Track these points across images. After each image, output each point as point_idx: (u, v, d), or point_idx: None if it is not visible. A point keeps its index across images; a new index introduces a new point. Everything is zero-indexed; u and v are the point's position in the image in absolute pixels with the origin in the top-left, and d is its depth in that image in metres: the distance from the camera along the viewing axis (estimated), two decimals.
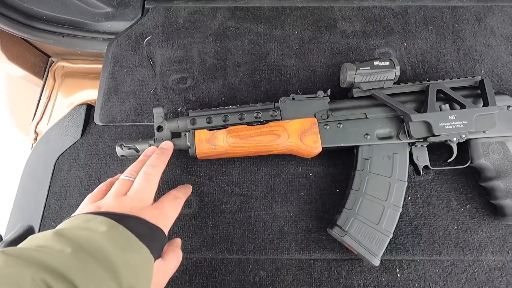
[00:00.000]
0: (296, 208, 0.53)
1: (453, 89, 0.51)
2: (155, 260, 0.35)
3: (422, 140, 0.48)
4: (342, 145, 0.50)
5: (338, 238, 0.47)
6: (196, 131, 0.50)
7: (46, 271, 0.25)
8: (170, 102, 0.60)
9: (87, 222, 0.33)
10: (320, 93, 0.52)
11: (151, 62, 0.62)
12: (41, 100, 0.70)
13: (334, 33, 0.64)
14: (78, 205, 0.53)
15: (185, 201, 0.47)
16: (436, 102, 0.49)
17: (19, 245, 0.30)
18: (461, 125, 0.47)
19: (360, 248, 0.46)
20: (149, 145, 0.50)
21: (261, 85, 0.61)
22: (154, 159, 0.44)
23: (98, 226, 0.32)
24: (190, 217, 0.53)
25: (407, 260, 0.50)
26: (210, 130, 0.50)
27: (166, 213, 0.40)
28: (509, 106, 0.50)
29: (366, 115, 0.50)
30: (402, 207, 0.52)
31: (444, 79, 0.52)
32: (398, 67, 0.50)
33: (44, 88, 0.71)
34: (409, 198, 0.53)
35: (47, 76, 0.72)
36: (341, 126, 0.50)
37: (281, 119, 0.51)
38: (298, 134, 0.50)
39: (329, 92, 0.52)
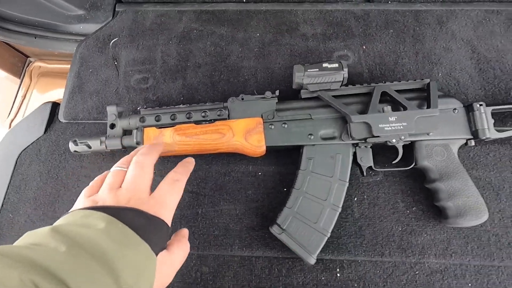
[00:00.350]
0: (243, 206, 0.54)
1: (402, 91, 0.52)
2: (157, 254, 0.33)
3: (363, 141, 0.49)
4: (286, 144, 0.51)
5: (277, 236, 0.48)
6: (145, 129, 0.52)
7: (35, 271, 0.24)
8: (130, 101, 0.62)
9: (84, 218, 0.31)
10: (268, 93, 0.53)
11: (116, 63, 0.65)
12: (17, 98, 0.73)
13: (294, 36, 0.65)
14: (36, 199, 0.56)
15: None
16: (381, 104, 0.50)
17: (15, 243, 0.29)
18: (401, 127, 0.48)
19: (296, 246, 0.47)
20: (101, 142, 0.52)
21: (219, 85, 0.62)
22: (145, 148, 0.42)
23: (96, 222, 0.30)
24: None
25: (348, 260, 0.50)
26: (160, 128, 0.52)
27: (165, 201, 0.37)
28: (455, 109, 0.50)
29: (310, 116, 0.51)
30: (348, 208, 0.53)
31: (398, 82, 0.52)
32: (346, 70, 0.51)
33: (21, 87, 0.74)
34: (356, 199, 0.53)
35: (24, 75, 0.75)
36: (286, 126, 0.51)
37: (228, 119, 0.52)
38: (243, 133, 0.51)
39: (277, 93, 0.53)
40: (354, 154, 0.51)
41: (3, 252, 0.24)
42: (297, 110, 0.52)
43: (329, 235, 0.47)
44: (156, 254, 0.33)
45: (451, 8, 0.67)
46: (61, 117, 0.62)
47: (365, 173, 0.51)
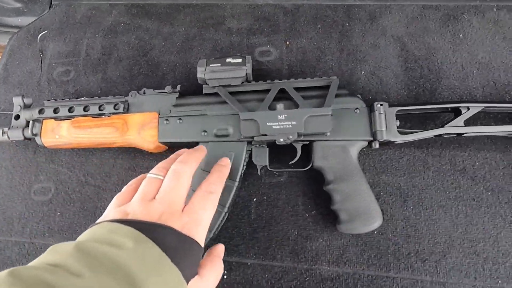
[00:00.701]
0: None
1: (310, 89, 0.49)
2: (188, 281, 0.30)
3: (251, 139, 0.47)
4: (179, 140, 0.49)
5: None
6: (44, 121, 0.52)
7: None
8: (50, 94, 0.62)
9: (112, 234, 0.29)
10: (168, 88, 0.52)
11: (41, 55, 0.65)
12: None
13: (219, 30, 0.64)
14: None
15: (46, 188, 0.48)
16: (277, 102, 0.48)
17: (35, 261, 0.27)
18: (289, 126, 0.45)
19: None
20: (3, 132, 0.53)
21: (137, 80, 0.62)
22: (185, 156, 0.39)
23: (124, 240, 0.28)
24: (44, 203, 0.55)
25: (238, 262, 0.48)
26: (59, 120, 0.52)
27: (199, 218, 0.34)
28: (356, 108, 0.47)
29: (206, 112, 0.50)
30: (245, 208, 0.51)
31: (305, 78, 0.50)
32: (248, 65, 0.49)
33: None
34: (255, 199, 0.52)
35: None
36: (181, 122, 0.50)
37: (127, 113, 0.52)
38: (138, 128, 0.50)
39: (178, 87, 0.52)
40: (251, 153, 0.49)
41: (21, 276, 0.23)
42: (193, 106, 0.50)
43: (212, 234, 0.46)
44: (187, 281, 0.30)
45: (386, 3, 0.63)
46: None
47: (259, 172, 0.49)
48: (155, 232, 0.29)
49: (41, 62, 0.65)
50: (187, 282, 0.29)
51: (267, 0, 0.66)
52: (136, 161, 0.56)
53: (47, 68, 0.64)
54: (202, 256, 0.35)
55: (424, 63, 0.57)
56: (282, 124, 0.46)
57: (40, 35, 0.67)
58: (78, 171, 0.56)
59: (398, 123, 0.47)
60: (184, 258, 0.30)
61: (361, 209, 0.44)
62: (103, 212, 0.53)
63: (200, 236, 0.33)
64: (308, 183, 0.52)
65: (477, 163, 0.51)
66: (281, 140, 0.45)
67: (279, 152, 0.51)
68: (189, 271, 0.30)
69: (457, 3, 0.62)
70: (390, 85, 0.56)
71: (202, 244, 0.33)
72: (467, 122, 0.49)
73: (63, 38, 0.67)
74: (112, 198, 0.55)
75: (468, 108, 0.47)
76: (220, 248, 0.38)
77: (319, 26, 0.62)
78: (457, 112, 0.48)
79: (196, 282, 0.31)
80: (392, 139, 0.46)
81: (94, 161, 0.57)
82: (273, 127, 0.46)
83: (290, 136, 0.45)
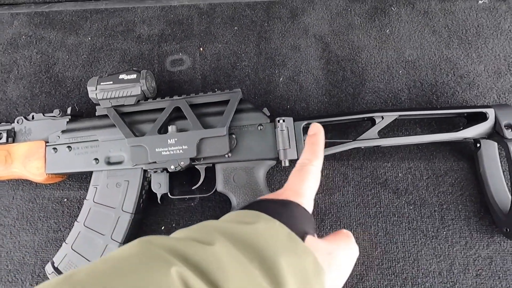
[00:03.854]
0: (43, 237, 0.49)
1: (215, 105, 0.44)
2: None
3: (141, 167, 0.42)
4: (69, 171, 0.45)
5: (48, 275, 0.43)
6: None
7: (186, 267, 0.21)
8: None
9: (243, 215, 0.27)
10: (57, 111, 0.46)
11: None
12: None
13: (128, 38, 0.58)
14: None
15: None
16: (172, 122, 0.43)
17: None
18: (180, 151, 0.41)
19: None
20: None
21: (39, 99, 0.56)
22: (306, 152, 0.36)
23: (254, 220, 0.26)
24: None
25: None
26: None
27: (298, 191, 0.32)
28: (260, 125, 0.43)
29: (97, 137, 0.45)
30: None
31: (216, 91, 0.45)
32: (143, 81, 0.44)
33: None
34: (163, 228, 0.47)
35: None
36: (71, 150, 0.45)
37: (13, 142, 0.46)
38: (23, 159, 0.45)
39: (69, 110, 0.47)
40: (148, 181, 0.45)
41: (155, 243, 0.22)
42: (84, 131, 0.45)
43: None
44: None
45: None
46: None
47: (159, 201, 0.45)
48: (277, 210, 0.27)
49: None
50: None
51: (181, 1, 0.60)
52: (38, 191, 0.51)
53: None
54: None
55: (347, 64, 0.52)
56: (172, 149, 0.41)
57: None
58: None
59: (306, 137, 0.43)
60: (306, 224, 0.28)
61: None
62: (1, 250, 0.49)
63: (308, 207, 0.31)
64: (221, 206, 0.47)
65: (400, 175, 0.47)
66: (172, 167, 0.41)
67: (185, 175, 0.47)
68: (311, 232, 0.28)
69: None
70: (311, 91, 0.52)
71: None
72: (389, 130, 0.45)
73: None
74: (11, 234, 0.51)
75: (382, 117, 0.43)
76: (345, 231, 0.33)
77: (236, 28, 0.56)
78: (373, 122, 0.44)
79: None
80: (299, 157, 0.42)
81: None
82: (163, 153, 0.41)
83: (182, 163, 0.41)
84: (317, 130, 0.37)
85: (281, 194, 0.31)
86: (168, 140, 0.41)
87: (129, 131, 0.42)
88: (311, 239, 0.27)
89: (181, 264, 0.21)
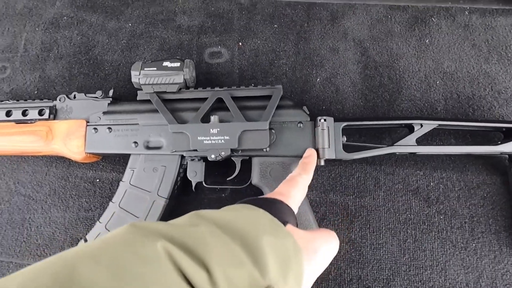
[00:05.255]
0: (73, 215, 0.49)
1: (255, 99, 0.45)
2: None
3: (183, 154, 0.43)
4: (108, 152, 0.45)
5: None
6: None
7: (171, 243, 0.22)
8: None
9: (231, 207, 0.29)
10: (99, 93, 0.47)
11: None
12: None
13: (169, 27, 0.59)
14: None
15: None
16: (214, 112, 0.43)
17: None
18: (222, 141, 0.41)
19: None
20: None
21: (77, 80, 0.57)
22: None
23: (238, 208, 0.28)
24: None
25: None
26: None
27: (288, 194, 0.34)
28: (300, 122, 0.43)
29: (137, 121, 0.45)
30: None
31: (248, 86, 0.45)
32: (187, 70, 0.44)
33: None
34: None
35: None
36: (111, 131, 0.45)
37: (54, 119, 0.47)
38: (63, 136, 0.46)
39: (111, 93, 0.48)
40: (185, 168, 0.45)
41: (140, 225, 0.23)
42: (125, 114, 0.46)
43: None
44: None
45: (351, 2, 0.58)
46: None
47: (193, 189, 0.45)
48: (267, 204, 0.29)
49: None
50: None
51: None
52: (71, 170, 0.52)
53: None
54: None
55: (385, 70, 0.53)
56: (214, 139, 0.41)
57: None
58: (8, 179, 0.52)
59: (344, 139, 0.43)
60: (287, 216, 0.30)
61: None
62: (32, 224, 0.50)
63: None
64: None
65: (431, 184, 0.47)
66: (213, 156, 0.41)
67: (222, 166, 0.47)
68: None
69: (427, 4, 0.57)
70: (347, 94, 0.52)
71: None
72: (423, 139, 0.45)
73: (0, 31, 0.61)
74: (42, 209, 0.52)
75: (421, 125, 0.43)
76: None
77: (275, 25, 0.57)
78: (410, 128, 0.44)
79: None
80: (336, 158, 0.42)
81: (26, 169, 0.52)
82: (204, 141, 0.41)
83: (222, 153, 0.41)
84: (311, 153, 0.42)
85: (269, 195, 0.33)
86: (211, 130, 0.42)
87: (172, 118, 0.43)
88: (291, 227, 0.29)
89: (166, 240, 0.22)
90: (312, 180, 0.48)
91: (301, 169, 0.39)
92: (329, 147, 0.42)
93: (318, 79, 0.53)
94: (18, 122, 0.47)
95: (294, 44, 0.55)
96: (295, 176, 0.37)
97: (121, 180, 0.45)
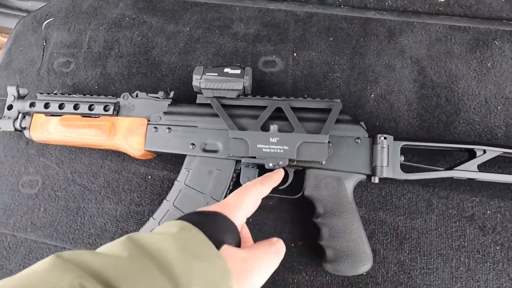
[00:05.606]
0: (125, 208, 0.51)
1: (310, 111, 0.45)
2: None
3: (240, 159, 0.44)
4: (165, 151, 0.47)
5: None
6: (34, 115, 0.51)
7: (88, 276, 0.22)
8: (49, 84, 0.61)
9: (166, 225, 0.29)
10: (161, 94, 0.49)
11: (44, 44, 0.64)
12: None
13: (225, 34, 0.60)
14: None
15: (33, 181, 0.51)
16: (273, 121, 0.44)
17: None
18: (281, 150, 0.42)
19: None
20: None
21: (135, 79, 0.59)
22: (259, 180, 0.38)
23: (171, 228, 0.28)
24: (30, 197, 0.54)
25: None
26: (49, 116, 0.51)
27: (234, 204, 0.33)
28: (358, 138, 0.43)
29: (196, 124, 0.47)
30: None
31: (313, 98, 0.46)
32: (247, 78, 0.46)
33: None
34: None
35: None
36: (170, 131, 0.47)
37: (117, 115, 0.49)
38: (125, 132, 0.48)
39: (171, 94, 0.50)
40: (239, 172, 0.46)
41: (65, 257, 0.24)
42: (185, 116, 0.47)
43: None
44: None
45: (409, 20, 0.57)
46: None
47: None
48: (202, 221, 0.29)
49: (43, 51, 0.64)
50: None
51: (279, 5, 0.62)
52: (124, 164, 0.54)
53: (49, 57, 0.63)
54: None
55: (443, 91, 0.52)
56: (273, 147, 0.42)
57: (45, 22, 0.66)
58: (66, 168, 0.55)
59: (402, 158, 0.43)
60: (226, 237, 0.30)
61: (350, 249, 0.41)
62: (86, 213, 0.52)
63: (238, 219, 0.32)
64: (298, 211, 0.48)
65: (488, 212, 0.45)
66: (270, 164, 0.42)
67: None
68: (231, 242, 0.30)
69: (490, 26, 0.55)
70: (401, 112, 0.52)
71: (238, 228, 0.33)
72: (480, 164, 0.44)
73: (67, 27, 0.65)
74: (96, 200, 0.54)
75: (484, 151, 0.42)
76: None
77: (331, 39, 0.57)
78: (471, 153, 0.43)
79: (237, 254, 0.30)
80: (393, 177, 0.42)
81: (83, 160, 0.55)
82: (264, 149, 0.42)
83: (281, 162, 0.42)
84: (279, 171, 0.40)
85: (215, 206, 0.33)
86: (270, 138, 0.42)
87: (232, 123, 0.44)
88: (226, 247, 0.29)
89: (86, 273, 0.22)
90: (361, 196, 0.48)
91: (260, 180, 0.37)
92: (387, 165, 0.41)
93: (372, 95, 0.53)
94: (83, 115, 0.50)
95: (349, 59, 0.56)
96: (249, 186, 0.36)
97: (176, 179, 0.46)
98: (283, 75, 0.56)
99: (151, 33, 0.62)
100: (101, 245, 0.49)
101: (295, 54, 0.57)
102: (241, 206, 0.33)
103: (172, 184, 0.51)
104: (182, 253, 0.25)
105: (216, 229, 0.29)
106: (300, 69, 0.56)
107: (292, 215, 0.48)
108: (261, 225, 0.48)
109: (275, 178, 0.39)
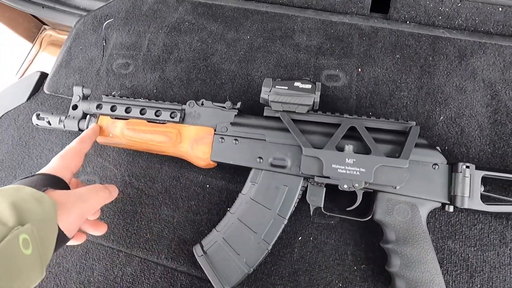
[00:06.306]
0: (182, 216, 0.51)
1: (381, 131, 0.44)
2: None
3: (311, 178, 0.43)
4: (231, 163, 0.46)
5: (196, 257, 0.45)
6: (100, 117, 0.51)
7: None
8: (107, 85, 0.62)
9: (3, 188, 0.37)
10: (228, 104, 0.49)
11: (104, 44, 0.65)
12: (24, 63, 0.78)
13: (286, 44, 0.59)
14: (2, 161, 0.59)
15: (91, 181, 0.54)
16: (346, 141, 0.43)
17: None
18: (357, 173, 0.41)
19: (211, 273, 0.43)
20: (60, 120, 0.52)
21: (194, 85, 0.59)
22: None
23: (6, 189, 0.36)
24: None
25: None
26: (114, 118, 0.51)
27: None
28: (435, 164, 0.42)
29: (264, 137, 0.46)
30: (289, 246, 0.48)
31: (386, 119, 0.44)
32: (318, 93, 0.45)
33: (30, 52, 0.78)
34: (300, 238, 0.48)
35: (35, 41, 0.79)
36: (237, 143, 0.47)
37: (182, 122, 0.49)
38: (191, 141, 0.48)
39: (238, 105, 0.49)
40: (306, 190, 0.45)
41: None
42: (252, 128, 0.47)
43: (251, 271, 0.43)
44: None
45: (481, 41, 0.55)
46: (45, 88, 0.64)
47: (311, 213, 0.45)
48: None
49: (103, 51, 0.64)
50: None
51: (341, 18, 0.61)
52: (182, 171, 0.54)
53: (108, 58, 0.64)
54: None
55: None
56: (350, 169, 0.41)
57: (106, 23, 0.66)
58: (124, 171, 0.55)
59: (483, 189, 0.41)
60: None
61: (423, 281, 0.39)
62: (143, 218, 0.52)
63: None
64: (361, 233, 0.47)
65: None
66: (345, 186, 0.41)
67: (335, 193, 0.47)
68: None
69: None
70: (473, 137, 0.50)
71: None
72: None
73: (127, 29, 0.66)
74: (153, 205, 0.54)
75: None
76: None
77: (397, 56, 0.56)
78: None
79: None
80: (475, 208, 0.40)
81: (141, 163, 0.55)
82: (339, 170, 0.41)
83: (356, 184, 0.41)
84: (93, 126, 0.50)
85: (42, 169, 0.42)
86: (346, 159, 0.41)
87: (306, 141, 0.43)
88: (50, 190, 0.38)
89: None
90: (429, 222, 0.46)
91: (78, 141, 0.46)
92: (469, 196, 0.40)
93: (441, 117, 0.51)
94: (149, 120, 0.50)
95: (417, 78, 0.54)
96: (68, 148, 0.45)
97: (237, 191, 0.46)
98: (347, 90, 0.55)
99: (211, 39, 0.62)
100: (157, 251, 0.49)
101: (359, 70, 0.56)
102: (62, 165, 0.43)
103: (230, 194, 0.51)
104: (10, 204, 0.32)
105: (38, 181, 0.38)
106: (365, 85, 0.55)
107: (355, 238, 0.47)
108: (322, 244, 0.47)
109: (91, 134, 0.48)
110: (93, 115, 0.51)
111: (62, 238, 0.36)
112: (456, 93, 0.52)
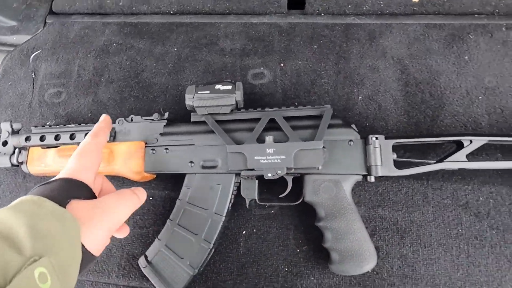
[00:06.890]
0: (129, 232, 0.52)
1: (302, 118, 0.47)
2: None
3: (239, 173, 0.45)
4: (165, 172, 0.48)
5: (141, 268, 0.45)
6: (30, 149, 0.51)
7: None
8: (41, 116, 0.62)
9: (18, 202, 0.33)
10: (156, 115, 0.50)
11: (33, 76, 0.65)
12: None
13: (212, 51, 0.62)
14: None
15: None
16: (267, 133, 0.46)
17: None
18: (278, 160, 0.43)
19: (158, 282, 0.44)
20: None
21: (128, 102, 0.60)
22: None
23: (23, 204, 0.31)
24: None
25: None
26: (48, 147, 0.51)
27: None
28: (350, 140, 0.45)
29: (193, 142, 0.48)
30: (234, 241, 0.49)
31: (304, 106, 0.47)
32: (238, 93, 0.47)
33: None
34: (244, 232, 0.49)
35: None
36: (168, 151, 0.48)
37: (114, 141, 0.50)
38: (124, 157, 0.49)
39: (166, 115, 0.51)
40: (240, 185, 0.47)
41: None
42: (181, 135, 0.48)
43: (196, 272, 0.44)
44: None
45: (387, 22, 0.60)
46: None
47: (247, 206, 0.47)
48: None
49: (33, 84, 0.64)
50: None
51: (261, 18, 0.64)
52: (124, 187, 0.54)
53: (39, 89, 0.64)
54: None
55: (426, 87, 0.54)
56: (271, 158, 0.43)
57: (33, 55, 0.66)
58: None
59: (395, 156, 0.44)
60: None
61: (353, 250, 0.42)
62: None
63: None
64: (299, 216, 0.49)
65: (481, 198, 0.47)
66: (269, 175, 0.43)
67: (270, 183, 0.49)
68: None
69: (463, 21, 0.58)
70: (389, 111, 0.54)
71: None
72: (470, 154, 0.46)
73: (55, 58, 0.66)
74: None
75: (470, 141, 0.44)
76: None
77: (315, 46, 0.60)
78: (459, 144, 0.45)
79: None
80: (388, 174, 0.43)
81: None
82: (261, 161, 0.43)
83: (279, 171, 0.43)
84: (104, 118, 0.44)
85: (60, 173, 0.37)
86: (267, 150, 0.44)
87: (229, 139, 0.45)
88: (74, 202, 0.33)
89: None
90: (359, 195, 0.50)
91: (92, 135, 0.41)
92: (381, 164, 0.43)
93: (360, 97, 0.55)
94: None
95: (334, 64, 0.58)
96: (84, 145, 0.40)
97: (177, 198, 0.47)
98: (272, 86, 0.58)
99: (140, 57, 0.63)
100: (107, 271, 0.49)
101: (282, 65, 0.59)
102: (82, 166, 0.38)
103: (174, 202, 0.52)
104: (29, 227, 0.28)
105: (60, 191, 0.34)
106: (289, 78, 0.58)
107: (295, 222, 0.49)
108: (265, 234, 0.49)
109: (103, 126, 0.43)
110: (23, 148, 0.51)
111: (88, 257, 0.32)
112: (371, 73, 0.56)
